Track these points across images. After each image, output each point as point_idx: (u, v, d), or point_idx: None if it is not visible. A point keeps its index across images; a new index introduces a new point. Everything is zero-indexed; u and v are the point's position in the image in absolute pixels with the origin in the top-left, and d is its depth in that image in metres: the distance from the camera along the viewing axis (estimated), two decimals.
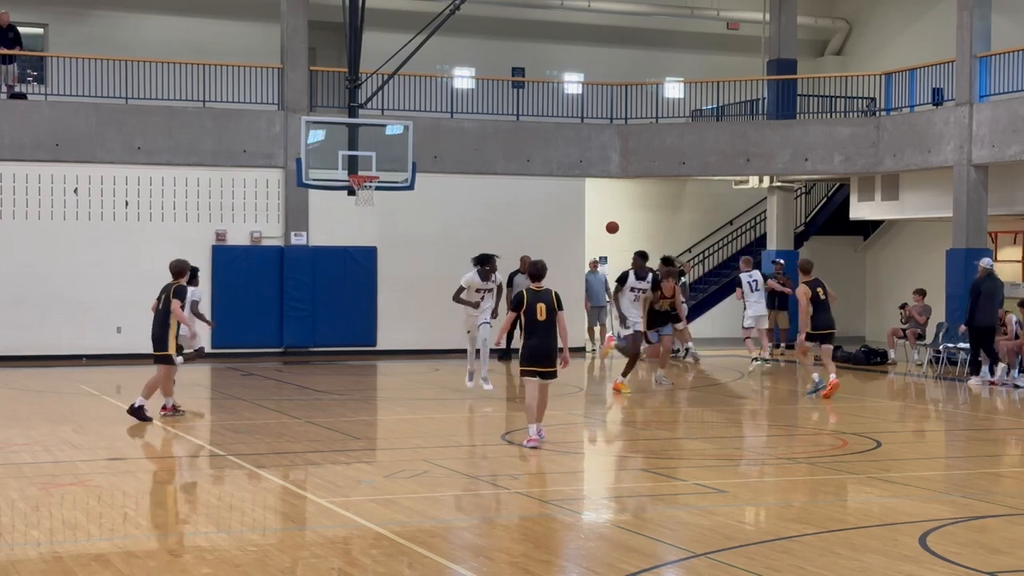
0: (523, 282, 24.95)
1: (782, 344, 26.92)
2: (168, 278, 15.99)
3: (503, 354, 24.13)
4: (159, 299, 16.00)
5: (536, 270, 13.65)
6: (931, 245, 28.37)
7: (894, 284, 30.63)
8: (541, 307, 13.32)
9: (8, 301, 24.01)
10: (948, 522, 9.98)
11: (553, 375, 13.54)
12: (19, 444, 13.85)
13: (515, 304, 13.53)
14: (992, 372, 20.91)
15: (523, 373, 13.57)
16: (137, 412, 15.63)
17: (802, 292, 18.91)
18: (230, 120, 25.56)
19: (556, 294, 13.52)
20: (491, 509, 10.82)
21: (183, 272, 16.07)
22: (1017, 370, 20.82)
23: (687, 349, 25.62)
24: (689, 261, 29.56)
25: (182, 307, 15.79)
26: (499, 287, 18.80)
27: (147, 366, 23.52)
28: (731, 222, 32.43)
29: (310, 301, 25.66)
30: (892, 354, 24.75)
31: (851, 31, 33.33)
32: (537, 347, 13.38)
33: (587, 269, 27.45)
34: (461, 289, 18.36)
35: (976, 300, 20.77)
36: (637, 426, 16.49)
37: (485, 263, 18.34)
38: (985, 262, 21.36)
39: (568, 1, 30.57)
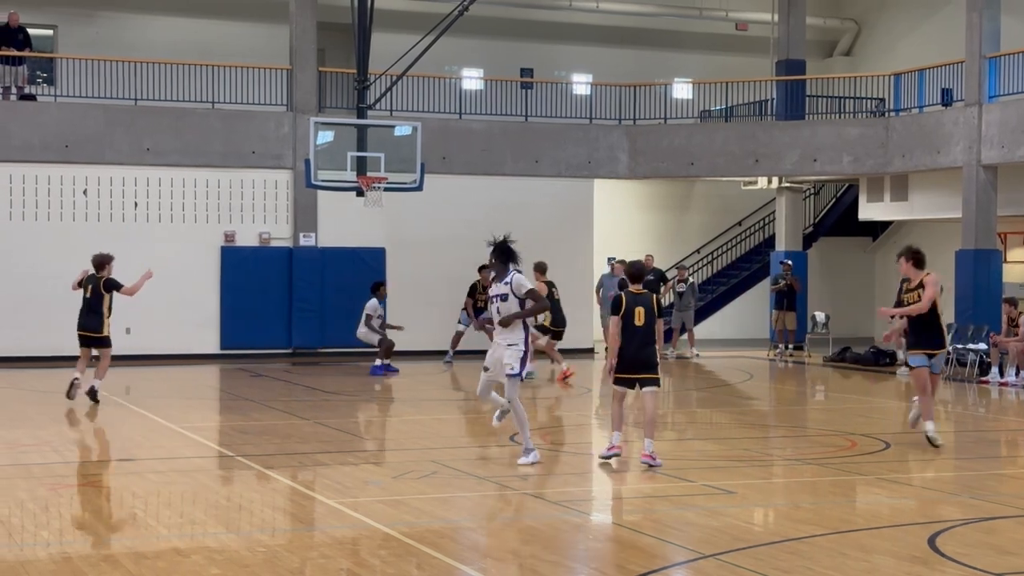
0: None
1: (790, 345, 26.90)
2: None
3: None
4: (85, 287, 17.54)
5: (636, 271, 12.75)
6: (940, 246, 28.29)
7: None
8: (640, 311, 12.38)
9: (17, 302, 24.04)
10: (957, 523, 9.97)
11: (657, 382, 12.66)
12: (28, 444, 13.88)
13: (614, 308, 12.60)
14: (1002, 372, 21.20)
15: (617, 381, 12.62)
16: (93, 394, 17.22)
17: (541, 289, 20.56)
18: (239, 121, 25.58)
19: (656, 298, 12.82)
20: (500, 510, 10.82)
21: (104, 265, 17.48)
22: None
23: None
24: (683, 269, 29.15)
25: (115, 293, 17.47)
26: (527, 294, 12.44)
27: (158, 367, 23.71)
28: (740, 223, 32.41)
29: (319, 302, 25.67)
30: (901, 355, 24.68)
31: (860, 32, 33.30)
32: (636, 354, 12.43)
33: (606, 270, 27.10)
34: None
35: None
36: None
37: (494, 255, 12.70)
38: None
39: (576, 2, 30.58)
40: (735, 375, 23.48)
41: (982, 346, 21.92)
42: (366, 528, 9.70)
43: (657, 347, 12.71)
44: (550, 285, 21.21)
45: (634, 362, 12.47)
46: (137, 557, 8.74)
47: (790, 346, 26.88)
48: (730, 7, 31.46)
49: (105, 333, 17.44)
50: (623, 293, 12.67)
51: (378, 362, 22.53)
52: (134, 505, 10.69)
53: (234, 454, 13.40)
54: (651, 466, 12.27)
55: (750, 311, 31.23)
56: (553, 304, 20.74)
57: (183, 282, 24.94)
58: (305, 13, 26.05)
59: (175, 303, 24.91)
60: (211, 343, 25.24)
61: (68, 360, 23.83)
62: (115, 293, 17.36)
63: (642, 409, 12.93)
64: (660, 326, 12.77)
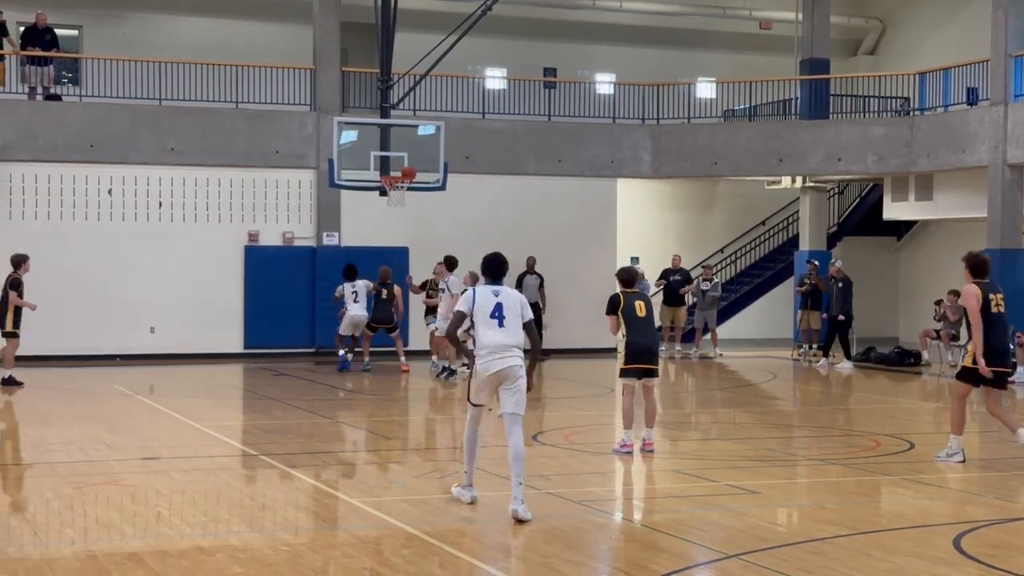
0: (532, 282, 25.44)
1: (814, 345, 26.80)
2: None
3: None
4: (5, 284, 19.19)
5: (628, 277, 13.44)
6: (965, 246, 28.05)
7: (928, 285, 30.42)
8: (640, 304, 13.14)
9: (42, 301, 23.95)
10: (982, 524, 9.92)
11: (657, 373, 13.43)
12: (53, 443, 13.95)
13: (611, 307, 13.20)
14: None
15: (624, 373, 13.33)
16: (9, 381, 19.18)
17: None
18: (263, 121, 25.65)
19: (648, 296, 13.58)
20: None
21: (20, 264, 19.38)
22: None
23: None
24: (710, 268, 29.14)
25: (20, 296, 19.25)
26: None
27: (182, 366, 23.81)
28: (763, 222, 32.32)
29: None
30: (926, 355, 24.60)
31: (884, 30, 33.17)
32: (641, 344, 13.14)
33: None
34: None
35: (840, 295, 24.43)
36: (668, 427, 16.43)
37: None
38: (838, 263, 25.30)
39: (600, 1, 30.54)
40: (759, 375, 23.44)
41: None
42: (389, 527, 9.72)
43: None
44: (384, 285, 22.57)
45: (644, 351, 13.19)
46: (161, 555, 8.77)
47: (814, 346, 26.78)
48: (754, 6, 31.38)
49: (8, 328, 19.28)
50: (619, 293, 13.33)
51: (342, 353, 22.71)
52: (158, 503, 10.73)
53: (257, 453, 13.44)
54: (628, 454, 13.10)
55: (773, 311, 31.15)
56: (380, 303, 22.37)
57: (207, 281, 25.05)
58: (328, 13, 26.10)
59: (199, 302, 25.01)
60: (235, 342, 25.33)
61: (96, 359, 24.04)
62: (15, 293, 19.21)
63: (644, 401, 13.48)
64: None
